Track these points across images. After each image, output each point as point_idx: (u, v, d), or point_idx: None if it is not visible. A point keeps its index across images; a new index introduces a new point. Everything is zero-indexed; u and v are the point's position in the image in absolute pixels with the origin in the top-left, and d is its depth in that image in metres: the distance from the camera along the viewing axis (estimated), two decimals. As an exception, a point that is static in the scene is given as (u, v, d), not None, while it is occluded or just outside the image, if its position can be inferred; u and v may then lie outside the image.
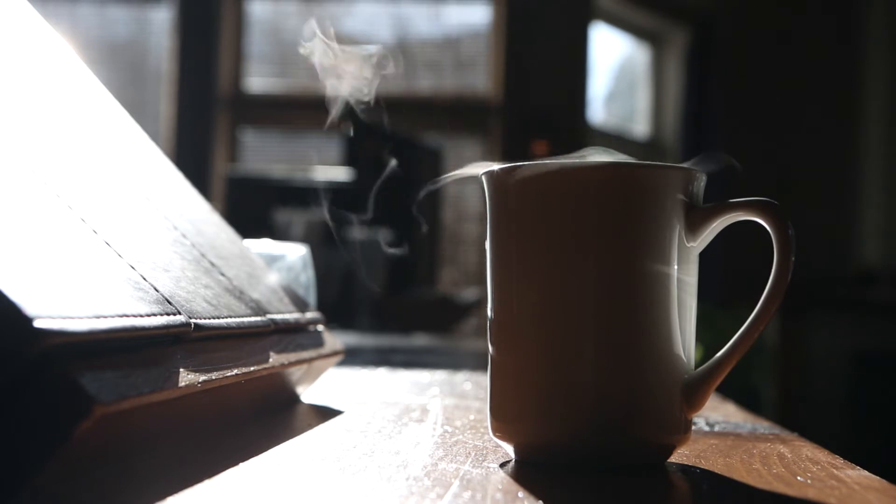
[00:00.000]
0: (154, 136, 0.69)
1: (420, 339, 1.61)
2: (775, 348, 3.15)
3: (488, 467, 0.40)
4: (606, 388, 0.40)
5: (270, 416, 0.54)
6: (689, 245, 0.42)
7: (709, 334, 1.19)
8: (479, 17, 3.71)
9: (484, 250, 0.44)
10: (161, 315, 0.38)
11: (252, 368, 0.46)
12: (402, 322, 2.03)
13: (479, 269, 3.54)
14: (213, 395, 0.43)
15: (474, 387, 0.74)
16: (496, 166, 0.43)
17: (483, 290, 0.51)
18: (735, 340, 0.42)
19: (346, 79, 0.46)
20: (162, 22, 3.69)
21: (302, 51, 0.46)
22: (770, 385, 3.16)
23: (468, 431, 0.50)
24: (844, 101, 3.65)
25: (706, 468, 0.41)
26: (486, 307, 0.43)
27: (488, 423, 0.43)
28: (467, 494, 0.34)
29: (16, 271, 0.31)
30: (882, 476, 0.39)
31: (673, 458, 0.43)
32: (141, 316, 0.37)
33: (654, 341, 0.40)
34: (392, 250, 1.91)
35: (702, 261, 0.43)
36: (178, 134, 3.56)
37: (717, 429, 0.54)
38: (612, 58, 4.01)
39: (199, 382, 0.39)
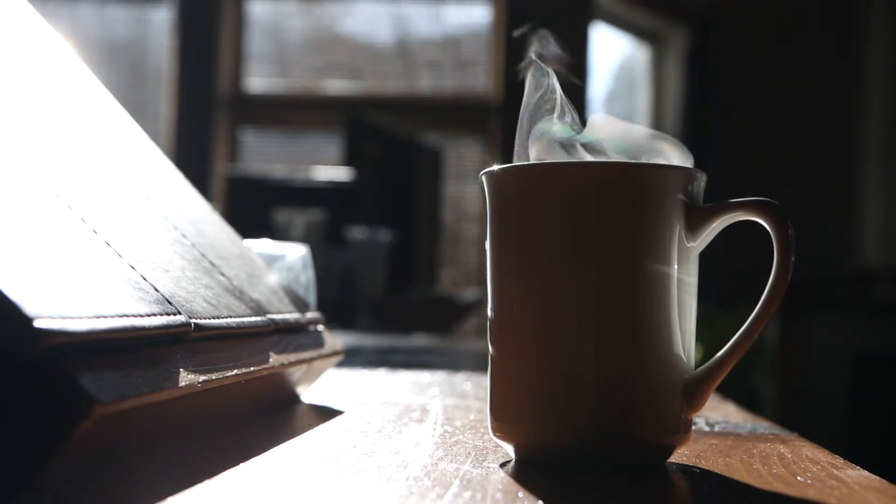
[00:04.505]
0: (154, 136, 0.69)
1: (420, 339, 1.61)
2: (775, 348, 3.15)
3: (488, 467, 0.40)
4: (606, 388, 0.40)
5: (270, 416, 0.54)
6: (689, 245, 0.42)
7: (709, 334, 1.19)
8: (479, 17, 3.71)
9: (484, 250, 0.44)
10: (161, 315, 0.38)
11: (252, 368, 0.46)
12: (402, 322, 2.03)
13: (479, 269, 3.54)
14: (213, 395, 0.43)
15: (474, 387, 0.74)
16: (496, 166, 0.43)
17: (483, 290, 0.51)
18: (735, 340, 0.42)
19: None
20: (162, 22, 3.69)
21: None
22: (770, 385, 3.16)
23: (468, 431, 0.50)
24: (844, 101, 3.65)
25: (706, 468, 0.41)
26: (486, 307, 0.43)
27: (488, 423, 0.43)
28: (467, 494, 0.34)
29: (16, 271, 0.31)
30: (882, 476, 0.39)
31: (673, 458, 0.43)
32: (141, 316, 0.37)
33: (654, 341, 0.40)
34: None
35: (702, 261, 0.43)
36: (178, 134, 3.56)
37: (717, 429, 0.54)
38: (612, 58, 4.01)
39: (199, 382, 0.39)
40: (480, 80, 3.68)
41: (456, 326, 2.25)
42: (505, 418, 0.42)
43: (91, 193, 0.45)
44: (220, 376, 0.42)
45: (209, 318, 0.44)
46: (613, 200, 0.40)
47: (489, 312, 0.43)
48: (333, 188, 2.46)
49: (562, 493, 0.36)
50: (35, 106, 0.48)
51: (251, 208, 2.36)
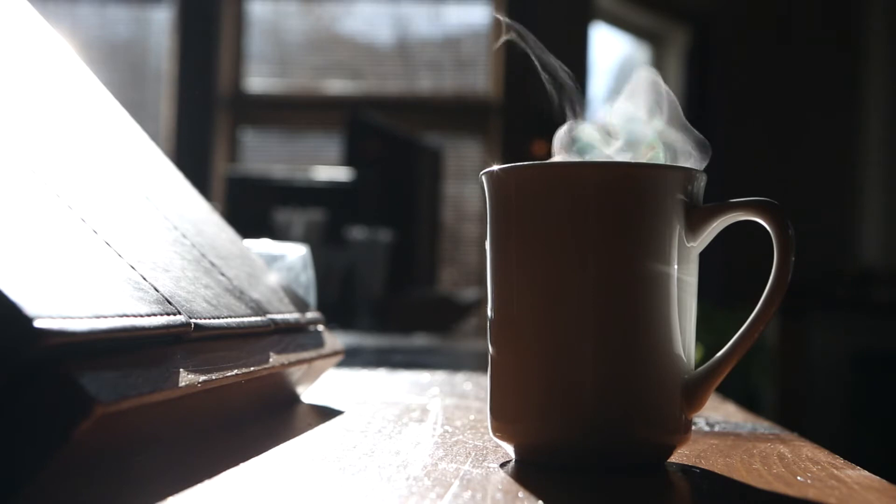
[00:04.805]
0: (154, 136, 0.69)
1: (420, 339, 1.61)
2: (775, 348, 3.15)
3: (488, 467, 0.40)
4: (606, 388, 0.40)
5: (270, 416, 0.54)
6: (689, 245, 0.42)
7: (709, 334, 1.19)
8: (479, 17, 3.71)
9: (484, 250, 0.44)
10: (161, 315, 0.38)
11: (252, 368, 0.46)
12: (402, 322, 2.03)
13: (479, 269, 3.54)
14: (213, 395, 0.43)
15: (474, 387, 0.74)
16: (496, 166, 0.43)
17: (483, 290, 0.51)
18: (735, 340, 0.42)
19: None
20: (162, 22, 3.69)
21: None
22: (770, 385, 3.16)
23: (468, 431, 0.50)
24: (844, 101, 3.65)
25: (706, 468, 0.41)
26: (486, 307, 0.43)
27: (488, 423, 0.43)
28: (467, 494, 0.34)
29: (16, 271, 0.31)
30: (882, 476, 0.39)
31: (673, 458, 0.43)
32: (141, 316, 0.37)
33: (654, 341, 0.40)
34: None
35: (702, 261, 0.43)
36: (178, 134, 3.56)
37: (717, 429, 0.54)
38: (612, 58, 4.01)
39: (199, 382, 0.39)
40: (480, 80, 3.68)
41: (456, 326, 2.25)
42: (505, 418, 0.42)
43: (91, 193, 0.45)
44: (220, 376, 0.42)
45: (209, 318, 0.44)
46: (613, 200, 0.40)
47: (489, 312, 0.43)
48: (333, 188, 2.46)
49: (562, 493, 0.36)
50: (35, 106, 0.48)
51: (251, 208, 2.36)
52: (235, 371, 0.44)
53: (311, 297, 0.71)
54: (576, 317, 0.40)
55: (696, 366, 0.42)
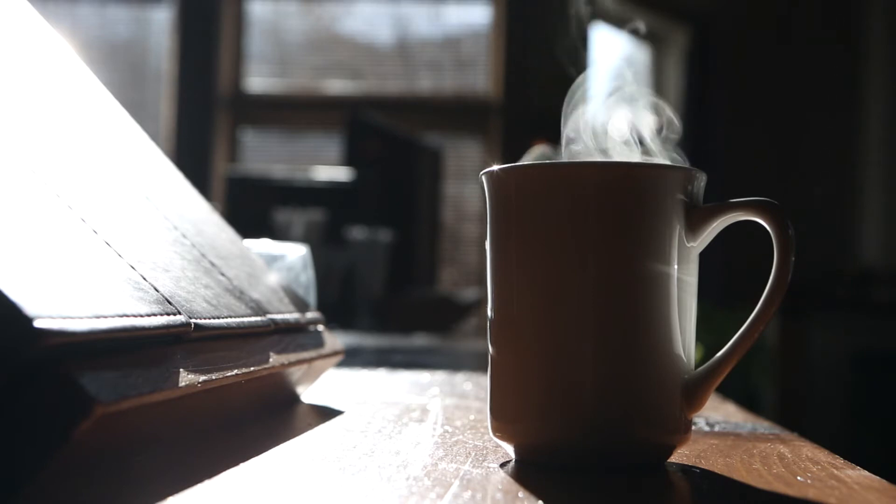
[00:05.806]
0: (154, 136, 0.69)
1: (420, 339, 1.61)
2: (775, 348, 3.15)
3: (488, 467, 0.40)
4: (606, 388, 0.40)
5: (270, 416, 0.54)
6: (689, 245, 0.42)
7: (709, 334, 1.19)
8: (479, 17, 3.71)
9: (484, 250, 0.44)
10: (161, 315, 0.38)
11: (252, 368, 0.46)
12: (402, 322, 2.03)
13: (479, 269, 3.54)
14: (213, 395, 0.43)
15: (474, 387, 0.74)
16: (496, 166, 0.43)
17: (483, 290, 0.51)
18: (735, 340, 0.42)
19: None
20: (162, 22, 3.69)
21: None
22: (770, 385, 3.16)
23: (468, 431, 0.50)
24: (844, 101, 3.65)
25: (706, 468, 0.41)
26: (486, 307, 0.43)
27: (488, 423, 0.43)
28: (467, 494, 0.34)
29: (16, 271, 0.31)
30: (882, 476, 0.39)
31: (673, 458, 0.43)
32: (141, 316, 0.37)
33: (654, 341, 0.40)
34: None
35: (702, 261, 0.43)
36: (178, 134, 3.56)
37: (717, 429, 0.54)
38: (612, 58, 4.01)
39: (199, 382, 0.39)
40: (480, 80, 3.68)
41: (456, 326, 2.25)
42: (505, 418, 0.42)
43: (91, 193, 0.45)
44: (220, 376, 0.42)
45: (209, 318, 0.44)
46: (613, 200, 0.40)
47: (489, 312, 0.43)
48: (333, 188, 2.46)
49: (562, 493, 0.36)
50: (35, 106, 0.48)
51: (251, 208, 2.36)
52: (235, 371, 0.44)
53: (311, 297, 0.71)
54: (576, 317, 0.40)
55: (696, 366, 0.42)
